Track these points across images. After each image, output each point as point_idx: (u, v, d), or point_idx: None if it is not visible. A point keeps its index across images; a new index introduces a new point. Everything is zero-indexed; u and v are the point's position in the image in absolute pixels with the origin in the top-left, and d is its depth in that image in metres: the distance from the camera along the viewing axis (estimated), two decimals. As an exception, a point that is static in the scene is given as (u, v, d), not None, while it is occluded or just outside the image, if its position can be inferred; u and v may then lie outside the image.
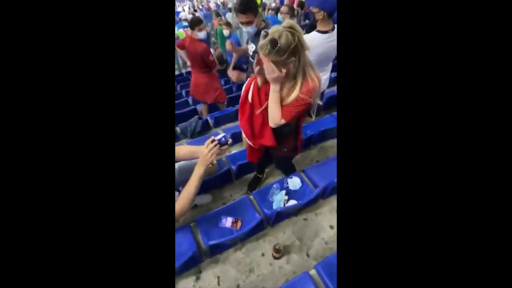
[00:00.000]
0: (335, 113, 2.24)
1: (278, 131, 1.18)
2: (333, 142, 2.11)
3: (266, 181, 1.89)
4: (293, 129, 1.24)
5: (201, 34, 2.50)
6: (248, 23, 1.56)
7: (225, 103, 3.05)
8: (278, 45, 0.88)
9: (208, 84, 2.78)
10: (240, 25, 1.61)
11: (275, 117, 1.08)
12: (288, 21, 0.93)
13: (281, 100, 1.06)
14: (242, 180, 1.89)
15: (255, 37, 1.64)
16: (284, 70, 0.96)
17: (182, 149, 1.32)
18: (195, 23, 2.53)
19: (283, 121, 1.08)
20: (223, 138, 1.13)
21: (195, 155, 1.29)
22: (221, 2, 11.67)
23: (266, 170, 1.89)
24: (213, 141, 1.11)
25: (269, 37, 0.90)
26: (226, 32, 3.91)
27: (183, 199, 1.09)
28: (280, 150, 1.38)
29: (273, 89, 1.04)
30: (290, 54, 0.92)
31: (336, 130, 2.04)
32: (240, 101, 1.23)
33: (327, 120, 2.18)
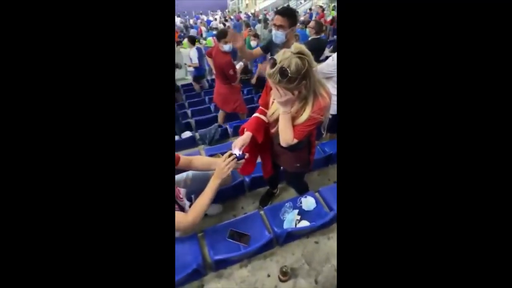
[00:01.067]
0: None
1: (290, 147, 1.15)
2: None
3: (280, 197, 1.84)
4: (306, 144, 1.21)
5: (226, 47, 2.52)
6: (280, 27, 1.53)
7: (245, 114, 3.05)
8: (289, 74, 0.85)
9: (228, 95, 2.80)
10: (272, 27, 1.60)
11: (287, 139, 1.06)
12: (295, 45, 0.89)
13: (292, 119, 1.04)
14: (254, 193, 1.86)
15: (280, 47, 1.61)
16: (295, 92, 0.93)
17: (199, 159, 1.33)
18: (221, 35, 2.56)
19: (295, 141, 1.05)
20: (241, 153, 1.14)
21: (211, 167, 1.31)
22: (251, 13, 11.94)
23: (280, 186, 1.84)
24: (230, 155, 1.12)
25: (278, 66, 0.86)
26: (253, 43, 3.97)
27: (196, 210, 1.09)
28: (292, 165, 1.34)
29: (284, 111, 1.01)
30: (301, 79, 0.89)
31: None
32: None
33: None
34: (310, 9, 9.38)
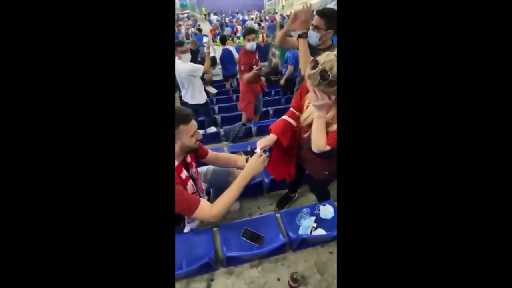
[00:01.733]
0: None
1: (321, 153, 1.12)
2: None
3: (298, 202, 1.82)
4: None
5: (249, 45, 2.52)
6: (316, 28, 1.49)
7: (252, 119, 3.00)
8: (330, 77, 0.83)
9: (243, 93, 2.81)
10: (310, 27, 1.55)
11: (319, 145, 1.03)
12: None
13: (326, 125, 1.01)
14: (272, 195, 1.85)
15: (313, 50, 1.56)
16: (333, 97, 0.91)
17: (224, 156, 1.37)
18: (245, 33, 2.59)
19: (328, 148, 1.02)
20: (260, 150, 1.18)
21: (236, 164, 1.37)
22: (287, 15, 11.88)
23: (300, 190, 1.82)
24: (258, 154, 1.17)
25: (319, 68, 0.85)
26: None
27: (222, 204, 1.11)
28: (320, 173, 1.31)
29: (319, 115, 0.99)
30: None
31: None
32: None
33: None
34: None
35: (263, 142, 1.17)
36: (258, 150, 1.18)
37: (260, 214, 1.70)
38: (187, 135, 1.08)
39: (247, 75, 2.59)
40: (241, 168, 1.35)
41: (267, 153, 1.17)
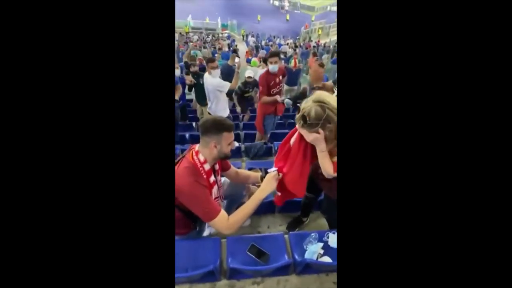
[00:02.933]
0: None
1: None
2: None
3: (307, 227, 1.81)
4: None
5: (271, 67, 2.65)
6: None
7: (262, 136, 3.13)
8: (308, 121, 0.98)
9: (258, 112, 3.01)
10: None
11: (328, 172, 1.13)
12: (316, 94, 1.01)
13: (331, 155, 1.10)
14: (284, 216, 1.86)
15: None
16: (321, 131, 1.01)
17: (243, 173, 1.45)
18: (269, 55, 2.74)
19: (335, 175, 1.10)
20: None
21: (247, 180, 1.47)
22: (323, 44, 12.15)
23: (311, 215, 1.81)
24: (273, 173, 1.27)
25: (300, 114, 1.00)
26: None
27: (237, 218, 1.20)
28: (336, 193, 1.32)
29: (319, 149, 1.09)
30: (323, 123, 0.99)
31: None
32: (284, 139, 1.34)
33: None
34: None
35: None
36: (272, 169, 1.25)
37: (270, 233, 1.71)
38: (226, 142, 1.19)
39: (265, 99, 2.75)
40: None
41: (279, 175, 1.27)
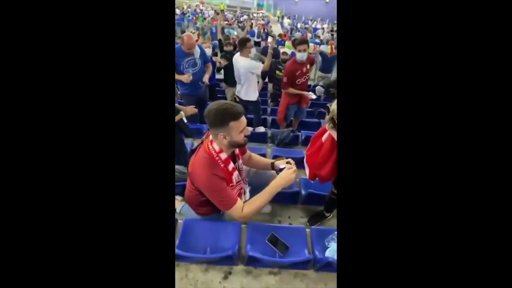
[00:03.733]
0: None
1: None
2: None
3: (330, 223, 1.75)
4: None
5: (299, 55, 2.49)
6: None
7: (280, 124, 3.07)
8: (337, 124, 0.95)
9: (281, 100, 2.90)
10: None
11: None
12: None
13: None
14: (306, 208, 1.81)
15: None
16: None
17: (256, 158, 1.41)
18: (297, 42, 2.55)
19: None
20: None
21: (261, 166, 1.47)
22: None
23: (336, 212, 1.75)
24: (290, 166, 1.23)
25: (329, 116, 1.01)
26: None
27: (252, 207, 1.17)
28: None
29: None
30: None
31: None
32: (315, 133, 1.32)
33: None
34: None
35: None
36: (281, 166, 1.26)
37: (290, 224, 1.68)
38: (237, 131, 1.11)
39: (292, 91, 2.66)
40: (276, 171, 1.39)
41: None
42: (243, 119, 1.13)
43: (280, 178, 1.19)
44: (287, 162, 1.24)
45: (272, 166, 1.36)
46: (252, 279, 1.25)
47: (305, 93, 2.78)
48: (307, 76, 2.73)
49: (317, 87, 3.95)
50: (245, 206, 1.17)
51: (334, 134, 1.04)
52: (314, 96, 2.92)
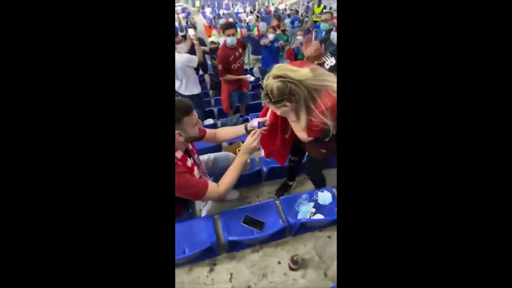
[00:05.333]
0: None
1: (315, 140, 1.17)
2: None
3: (295, 190, 1.85)
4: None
5: (229, 40, 2.51)
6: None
7: (227, 112, 3.09)
8: (272, 99, 0.98)
9: (222, 88, 2.93)
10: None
11: (302, 138, 1.17)
12: (275, 68, 0.99)
13: (299, 125, 1.12)
14: (270, 184, 1.88)
15: (333, 49, 1.60)
16: (288, 104, 1.02)
17: (222, 131, 1.40)
18: (225, 27, 2.54)
19: (310, 138, 1.14)
20: (259, 123, 1.23)
21: (234, 135, 1.43)
22: (283, 8, 11.76)
23: (297, 178, 1.85)
24: (253, 130, 1.21)
25: (264, 92, 1.00)
26: (271, 36, 3.91)
27: (226, 182, 1.18)
28: (318, 151, 1.36)
29: (290, 120, 1.15)
30: (288, 97, 0.98)
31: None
32: (260, 113, 1.35)
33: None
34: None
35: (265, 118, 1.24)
36: (255, 124, 1.23)
37: (259, 202, 1.74)
38: (191, 125, 1.09)
39: (229, 77, 2.66)
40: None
41: (262, 128, 1.21)
42: (195, 113, 1.11)
43: (244, 147, 1.19)
44: (254, 132, 1.20)
45: (246, 130, 1.32)
46: (237, 263, 1.28)
47: (243, 76, 2.80)
48: (241, 60, 2.75)
49: (254, 69, 4.01)
50: (220, 183, 1.17)
51: (273, 108, 1.08)
52: (252, 78, 2.96)
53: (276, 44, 3.96)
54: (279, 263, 1.28)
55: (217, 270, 1.26)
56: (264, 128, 1.23)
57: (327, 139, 1.11)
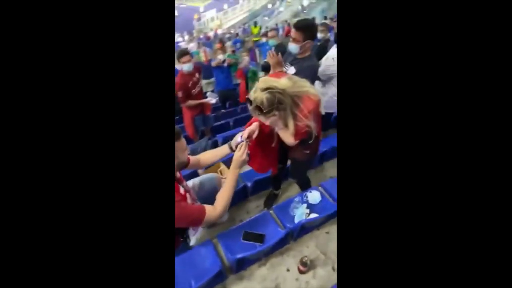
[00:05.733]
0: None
1: (300, 142, 1.23)
2: (344, 158, 2.15)
3: (282, 198, 1.89)
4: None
5: (185, 67, 2.51)
6: (295, 40, 1.60)
7: (193, 138, 3.06)
8: (264, 110, 1.02)
9: (184, 115, 2.92)
10: (290, 40, 1.65)
11: (289, 142, 1.22)
12: (262, 81, 1.05)
13: (285, 131, 1.17)
14: (257, 197, 1.89)
15: (293, 60, 1.70)
16: (276, 113, 1.07)
17: (205, 155, 1.37)
18: (179, 55, 2.52)
19: (297, 142, 1.20)
20: (242, 139, 1.22)
21: (218, 157, 1.39)
22: (224, 32, 12.15)
23: (282, 186, 1.89)
24: (239, 144, 1.21)
25: (253, 106, 1.04)
26: (221, 56, 4.02)
27: (222, 201, 1.14)
28: (302, 152, 1.41)
29: (278, 128, 1.19)
30: (277, 106, 1.04)
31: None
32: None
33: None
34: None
35: (247, 131, 1.23)
36: (239, 139, 1.23)
37: (250, 217, 1.72)
38: (181, 150, 1.08)
39: (190, 103, 2.67)
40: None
41: (247, 140, 1.21)
42: (183, 138, 1.09)
43: (235, 161, 1.19)
44: (240, 146, 1.21)
45: (231, 148, 1.30)
46: (248, 281, 1.25)
47: (205, 100, 2.82)
48: (200, 85, 2.77)
49: (208, 93, 4.04)
50: (216, 204, 1.14)
51: (262, 119, 1.11)
52: (214, 101, 2.99)
53: (225, 64, 4.07)
54: (288, 270, 1.28)
55: (229, 294, 1.20)
56: (248, 140, 1.25)
57: (310, 141, 1.18)
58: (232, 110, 3.97)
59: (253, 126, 1.25)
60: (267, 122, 1.12)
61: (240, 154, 1.17)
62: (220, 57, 4.03)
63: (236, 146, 1.23)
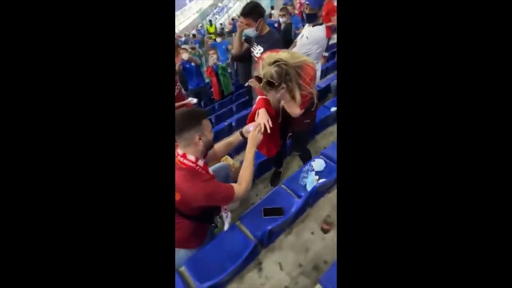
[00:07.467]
0: (326, 103, 2.43)
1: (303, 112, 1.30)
2: (333, 128, 2.28)
3: (286, 174, 1.97)
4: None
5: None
6: (248, 25, 1.73)
7: None
8: (275, 83, 1.06)
9: None
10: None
11: (295, 112, 1.26)
12: (269, 56, 1.08)
13: (292, 102, 1.23)
14: (263, 179, 1.95)
15: (256, 40, 1.82)
16: (285, 86, 1.12)
17: (218, 146, 1.40)
18: None
19: (302, 110, 1.25)
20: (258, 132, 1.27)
21: (232, 146, 1.43)
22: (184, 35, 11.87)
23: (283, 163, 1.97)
24: (254, 124, 1.27)
25: (263, 82, 1.06)
26: (185, 55, 3.99)
27: (246, 179, 1.19)
28: (302, 122, 1.47)
29: (285, 100, 1.23)
30: (285, 77, 1.08)
31: (332, 117, 2.20)
32: (249, 116, 1.43)
33: (322, 111, 2.35)
34: (233, 18, 9.92)
35: (259, 121, 1.28)
36: (251, 128, 1.28)
37: (261, 199, 1.78)
38: (208, 128, 1.13)
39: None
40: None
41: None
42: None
43: (251, 141, 1.24)
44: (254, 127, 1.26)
45: (243, 136, 1.35)
46: (279, 251, 1.31)
47: (187, 101, 2.80)
48: (178, 86, 2.75)
49: (189, 99, 3.99)
50: (240, 181, 1.19)
51: (272, 95, 1.15)
52: (195, 101, 2.97)
53: (192, 64, 4.04)
54: (312, 233, 1.37)
55: (265, 267, 1.26)
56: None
57: (313, 108, 1.26)
58: (210, 108, 3.97)
59: (264, 115, 1.29)
60: (277, 97, 1.16)
61: (256, 133, 1.23)
62: (185, 56, 3.99)
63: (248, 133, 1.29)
